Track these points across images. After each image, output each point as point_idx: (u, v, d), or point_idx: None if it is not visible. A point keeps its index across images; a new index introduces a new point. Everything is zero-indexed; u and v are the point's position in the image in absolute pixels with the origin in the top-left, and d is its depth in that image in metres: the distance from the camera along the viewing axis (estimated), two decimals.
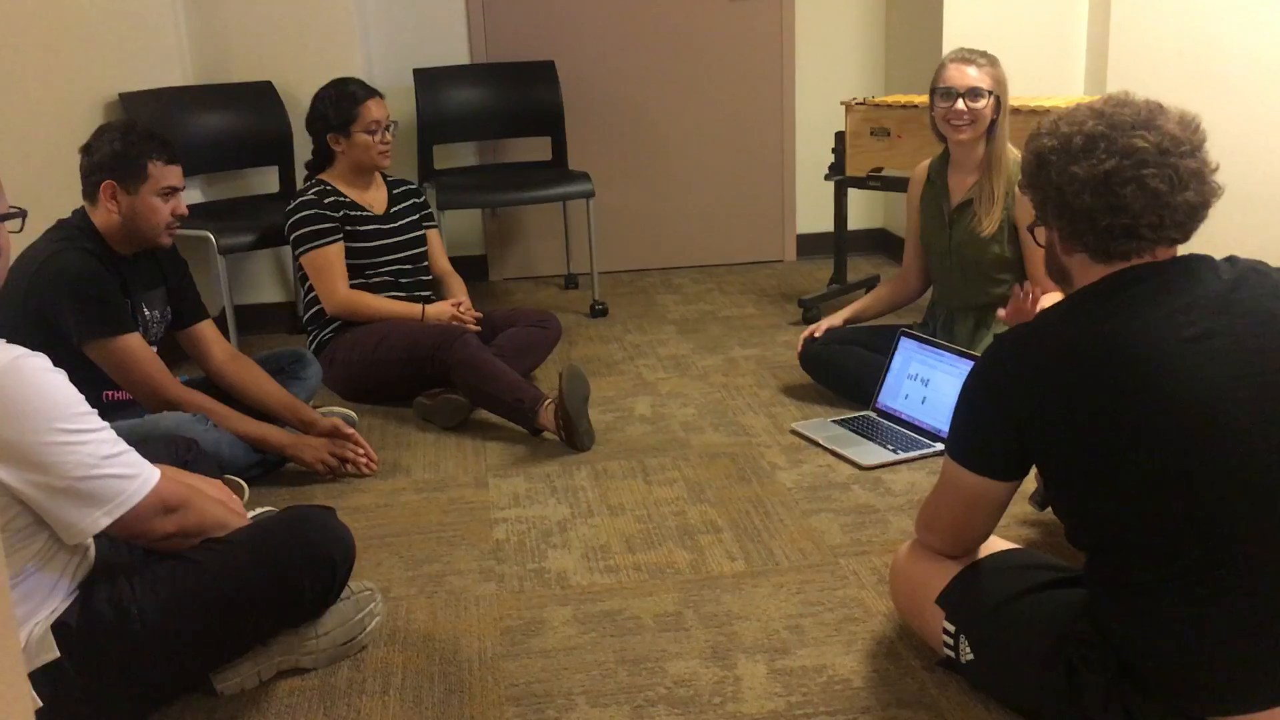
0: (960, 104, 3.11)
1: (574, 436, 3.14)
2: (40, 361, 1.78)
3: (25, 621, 1.82)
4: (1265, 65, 4.34)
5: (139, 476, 1.85)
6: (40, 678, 1.81)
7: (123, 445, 1.86)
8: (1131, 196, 1.64)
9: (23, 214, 1.85)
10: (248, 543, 2.03)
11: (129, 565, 1.99)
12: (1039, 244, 1.86)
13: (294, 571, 2.06)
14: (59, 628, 1.84)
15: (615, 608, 2.37)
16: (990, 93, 3.11)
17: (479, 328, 3.59)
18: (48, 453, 1.74)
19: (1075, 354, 1.65)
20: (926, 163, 3.37)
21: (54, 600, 1.86)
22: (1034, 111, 3.65)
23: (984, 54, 3.17)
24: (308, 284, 3.58)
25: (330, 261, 3.52)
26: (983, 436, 1.79)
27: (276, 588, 2.05)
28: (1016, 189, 2.81)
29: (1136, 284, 1.67)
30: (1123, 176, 1.64)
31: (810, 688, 2.06)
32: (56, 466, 1.75)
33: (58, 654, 1.83)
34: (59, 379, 1.79)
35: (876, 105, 4.13)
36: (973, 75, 3.11)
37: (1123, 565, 1.67)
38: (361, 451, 3.04)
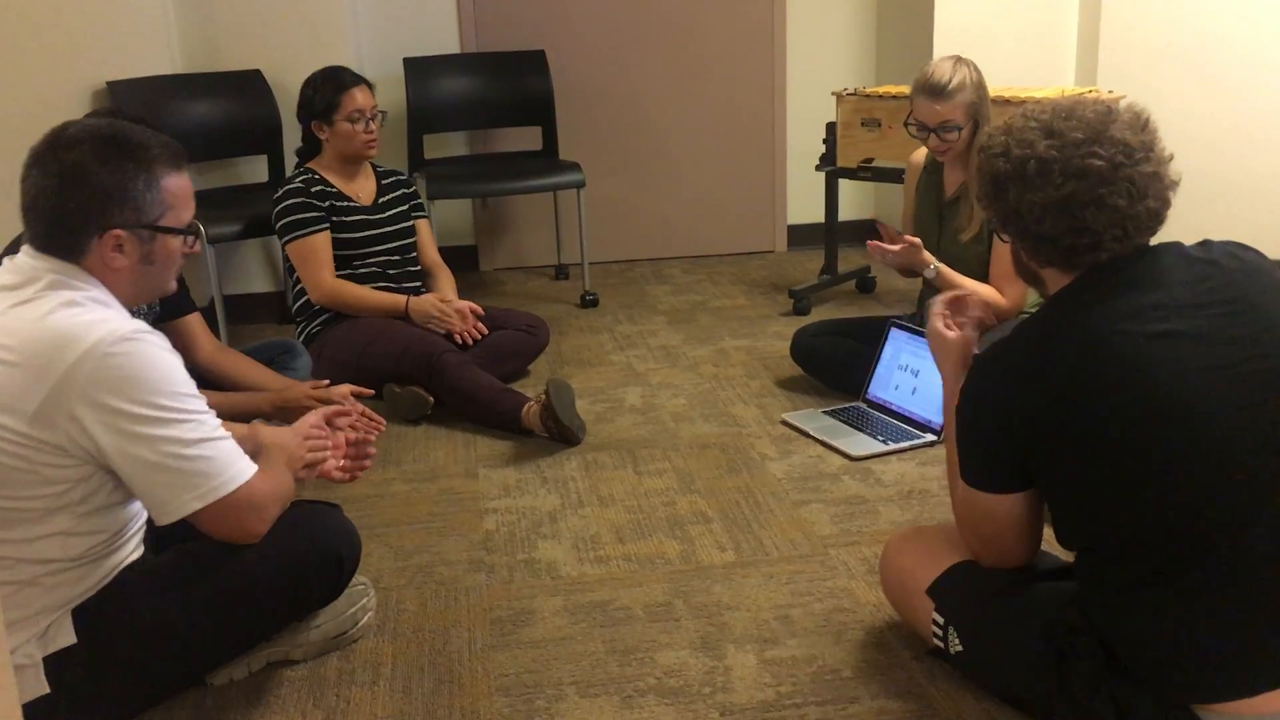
0: (934, 139, 3.06)
1: (567, 436, 3.14)
2: (160, 340, 1.82)
3: (59, 608, 1.84)
4: (1255, 57, 4.35)
5: (233, 467, 1.85)
6: (50, 663, 1.82)
7: (224, 434, 1.86)
8: (1092, 217, 1.64)
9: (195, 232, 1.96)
10: (255, 544, 2.00)
11: (140, 562, 1.99)
12: (1004, 240, 1.86)
13: (303, 570, 2.06)
14: (77, 614, 1.85)
15: (605, 598, 2.37)
16: (964, 125, 3.02)
17: (474, 332, 3.56)
18: (147, 424, 1.75)
19: (1052, 359, 1.65)
20: (924, 149, 3.34)
21: (83, 586, 1.87)
22: (1023, 102, 3.64)
23: (954, 71, 3.02)
24: (296, 274, 3.57)
25: (315, 250, 3.50)
26: (985, 455, 1.78)
27: (285, 587, 2.04)
28: None
29: (1104, 283, 1.67)
30: (1081, 200, 1.64)
31: (800, 678, 2.07)
32: (153, 439, 1.76)
33: (74, 639, 1.84)
34: (175, 360, 1.83)
35: (867, 96, 4.12)
36: (943, 111, 3.01)
37: (1111, 563, 1.67)
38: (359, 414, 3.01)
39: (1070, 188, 1.64)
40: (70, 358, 1.72)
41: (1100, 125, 1.66)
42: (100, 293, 1.84)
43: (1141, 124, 1.69)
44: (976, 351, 2.09)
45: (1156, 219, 1.68)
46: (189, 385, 1.83)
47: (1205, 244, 1.72)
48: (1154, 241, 1.72)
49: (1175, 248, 1.70)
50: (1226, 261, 1.68)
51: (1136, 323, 1.61)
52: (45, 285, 1.80)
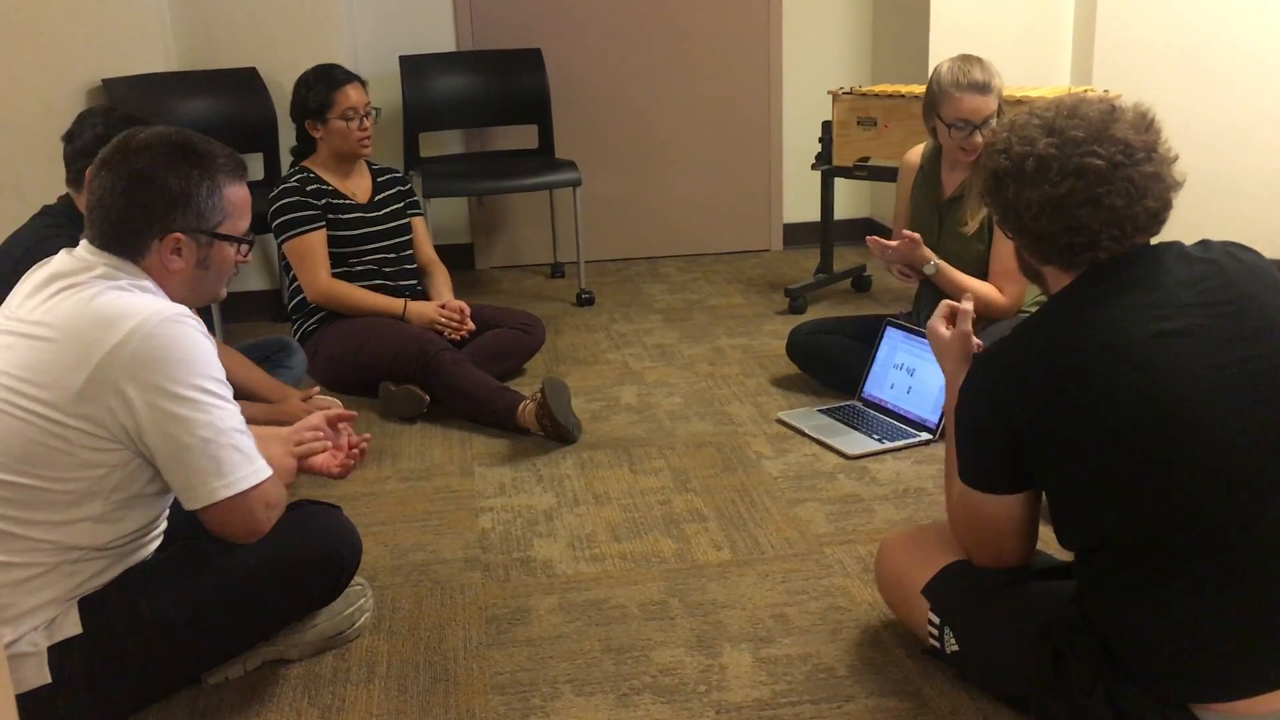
0: (979, 136, 3.02)
1: (562, 435, 3.14)
2: (200, 325, 1.86)
3: (69, 598, 1.86)
4: (1251, 57, 4.35)
5: (256, 463, 1.89)
6: (53, 653, 1.83)
7: (247, 431, 1.90)
8: (1088, 217, 1.64)
9: (249, 241, 2.00)
10: (257, 543, 2.01)
11: (142, 562, 1.99)
12: (1009, 237, 1.86)
13: (303, 571, 2.06)
14: (82, 605, 1.86)
15: (601, 596, 2.37)
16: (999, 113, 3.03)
17: (465, 332, 3.57)
18: (186, 405, 1.79)
19: (1053, 359, 1.65)
20: (919, 149, 3.33)
21: (100, 580, 1.88)
22: (1019, 101, 3.65)
23: (982, 68, 3.03)
24: (292, 272, 3.57)
25: (311, 249, 3.50)
26: (983, 455, 1.78)
27: (287, 588, 2.05)
28: None
29: (1105, 281, 1.67)
30: (1077, 199, 1.63)
31: (795, 676, 2.07)
32: (188, 421, 1.79)
33: (80, 630, 1.85)
34: (211, 345, 1.87)
35: (863, 95, 4.12)
36: (988, 104, 3.00)
37: (1112, 562, 1.67)
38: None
39: (1067, 186, 1.64)
40: (116, 335, 1.77)
41: (1102, 124, 1.66)
42: (149, 284, 1.89)
43: (1145, 124, 1.68)
44: (976, 349, 2.09)
45: (1156, 219, 1.67)
46: (222, 373, 1.88)
47: (1205, 244, 1.72)
48: (1152, 241, 1.72)
49: (1175, 247, 1.69)
50: (1226, 262, 1.67)
51: (1139, 322, 1.61)
52: (97, 275, 1.86)
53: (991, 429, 1.73)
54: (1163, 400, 1.58)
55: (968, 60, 3.05)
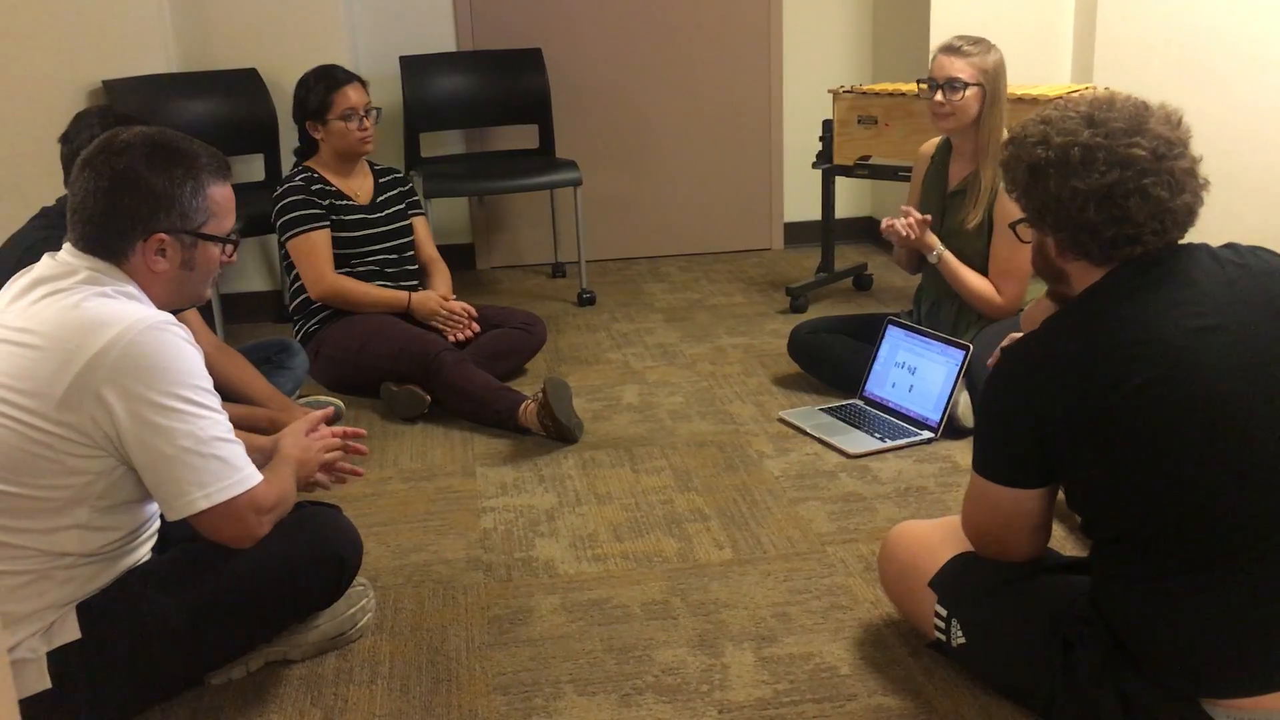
0: (939, 95, 3.10)
1: (564, 434, 3.14)
2: (184, 333, 1.84)
3: (66, 604, 1.86)
4: (1251, 54, 4.35)
5: (242, 471, 1.87)
6: (53, 659, 1.83)
7: (235, 439, 1.88)
8: (1135, 208, 1.64)
9: (234, 241, 1.99)
10: (257, 546, 2.01)
11: (143, 563, 1.99)
12: (1023, 241, 1.85)
13: (304, 572, 2.06)
14: (81, 610, 1.86)
15: (603, 596, 2.37)
16: (971, 85, 3.07)
17: (469, 330, 3.57)
18: (166, 415, 1.78)
19: (1085, 354, 1.65)
20: (934, 141, 3.36)
21: (94, 585, 1.88)
22: (1021, 99, 3.65)
23: (977, 42, 3.12)
24: (294, 273, 3.57)
25: (316, 247, 3.51)
26: (1006, 448, 1.78)
27: (287, 589, 2.05)
28: (1002, 186, 2.78)
29: (1139, 277, 1.67)
30: (1125, 189, 1.64)
31: (797, 675, 2.07)
32: (168, 431, 1.78)
33: (79, 635, 1.85)
34: (197, 354, 1.85)
35: (864, 93, 4.12)
36: (954, 66, 3.08)
37: (1132, 555, 1.67)
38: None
39: (1114, 176, 1.64)
40: (99, 342, 1.76)
41: (1139, 118, 1.68)
42: (134, 289, 1.87)
43: (1175, 121, 1.70)
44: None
45: (1192, 214, 1.69)
46: (207, 381, 1.86)
47: (1233, 246, 1.73)
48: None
49: (1204, 248, 1.71)
50: (1255, 264, 1.69)
51: (1174, 318, 1.61)
52: (81, 280, 1.84)
53: (1023, 422, 1.72)
54: (1197, 396, 1.58)
55: (969, 35, 3.18)
